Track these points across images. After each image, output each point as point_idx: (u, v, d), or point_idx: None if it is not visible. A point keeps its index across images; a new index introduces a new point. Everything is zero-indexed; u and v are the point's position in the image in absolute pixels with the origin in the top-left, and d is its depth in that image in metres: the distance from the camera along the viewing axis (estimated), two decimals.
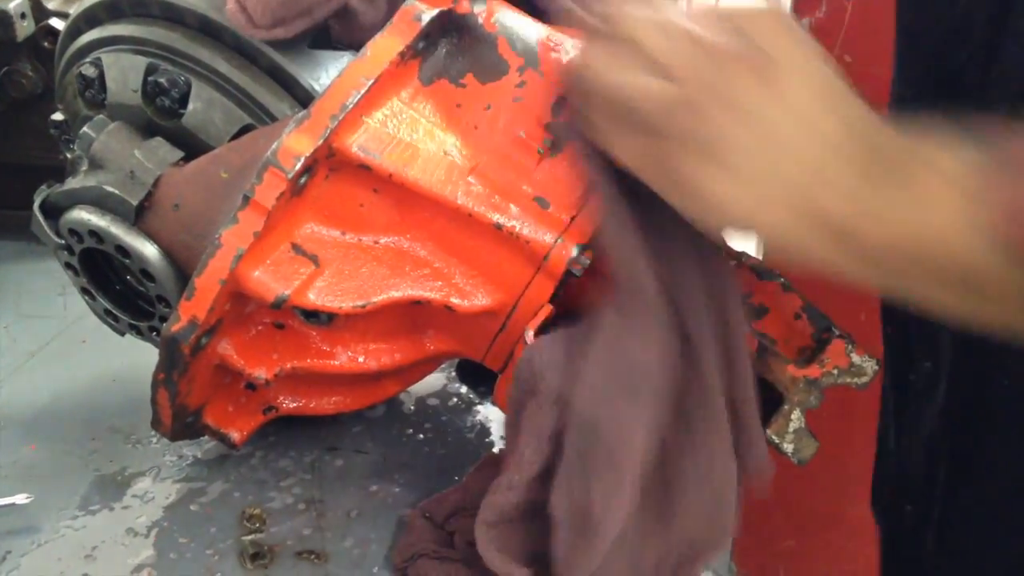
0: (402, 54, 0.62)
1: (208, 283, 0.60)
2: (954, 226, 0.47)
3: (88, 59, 0.74)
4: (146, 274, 0.70)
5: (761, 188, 0.49)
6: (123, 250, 0.69)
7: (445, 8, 0.64)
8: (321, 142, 0.59)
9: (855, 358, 0.66)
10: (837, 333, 0.67)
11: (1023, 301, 0.48)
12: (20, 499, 0.75)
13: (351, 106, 0.60)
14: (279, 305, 0.61)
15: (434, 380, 0.90)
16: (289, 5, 0.68)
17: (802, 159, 0.49)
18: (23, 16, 1.03)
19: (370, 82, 0.60)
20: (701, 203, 0.50)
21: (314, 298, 0.62)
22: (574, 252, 0.61)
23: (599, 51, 0.52)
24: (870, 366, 0.67)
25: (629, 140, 0.51)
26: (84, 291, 0.77)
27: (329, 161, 0.61)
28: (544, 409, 0.57)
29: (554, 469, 0.57)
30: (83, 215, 0.70)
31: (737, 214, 0.50)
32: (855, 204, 0.48)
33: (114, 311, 0.77)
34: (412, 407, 0.88)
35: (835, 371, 0.67)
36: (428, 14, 0.63)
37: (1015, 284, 0.47)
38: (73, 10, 0.78)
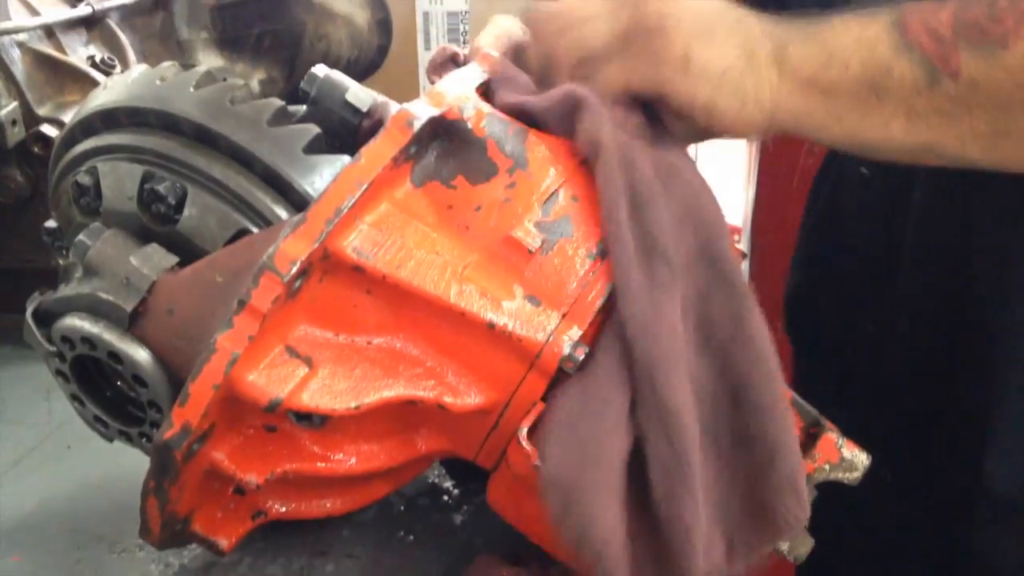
0: (395, 159, 0.63)
1: (202, 388, 0.60)
2: (879, 46, 0.64)
3: (83, 167, 0.75)
4: (138, 379, 0.70)
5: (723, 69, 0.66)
6: (115, 356, 0.69)
7: (436, 114, 0.66)
8: (316, 245, 0.60)
9: (846, 452, 0.67)
10: (826, 427, 0.67)
11: (940, 113, 0.64)
12: None
13: (346, 210, 0.61)
14: (273, 408, 0.61)
15: (423, 478, 0.89)
16: None
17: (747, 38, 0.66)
18: (14, 123, 1.04)
19: (364, 186, 0.61)
20: (685, 103, 0.67)
21: (307, 400, 0.62)
22: (567, 349, 0.62)
23: (551, 31, 0.71)
24: (860, 460, 0.67)
25: (613, 69, 0.68)
26: (74, 398, 0.77)
27: (324, 264, 0.62)
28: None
29: None
30: (76, 322, 0.70)
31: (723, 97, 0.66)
32: (805, 56, 0.65)
33: (104, 418, 0.76)
34: (402, 507, 0.87)
35: (827, 466, 0.67)
36: (419, 120, 0.64)
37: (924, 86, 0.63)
38: (68, 119, 0.80)
